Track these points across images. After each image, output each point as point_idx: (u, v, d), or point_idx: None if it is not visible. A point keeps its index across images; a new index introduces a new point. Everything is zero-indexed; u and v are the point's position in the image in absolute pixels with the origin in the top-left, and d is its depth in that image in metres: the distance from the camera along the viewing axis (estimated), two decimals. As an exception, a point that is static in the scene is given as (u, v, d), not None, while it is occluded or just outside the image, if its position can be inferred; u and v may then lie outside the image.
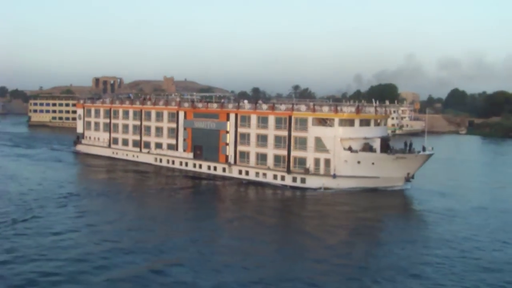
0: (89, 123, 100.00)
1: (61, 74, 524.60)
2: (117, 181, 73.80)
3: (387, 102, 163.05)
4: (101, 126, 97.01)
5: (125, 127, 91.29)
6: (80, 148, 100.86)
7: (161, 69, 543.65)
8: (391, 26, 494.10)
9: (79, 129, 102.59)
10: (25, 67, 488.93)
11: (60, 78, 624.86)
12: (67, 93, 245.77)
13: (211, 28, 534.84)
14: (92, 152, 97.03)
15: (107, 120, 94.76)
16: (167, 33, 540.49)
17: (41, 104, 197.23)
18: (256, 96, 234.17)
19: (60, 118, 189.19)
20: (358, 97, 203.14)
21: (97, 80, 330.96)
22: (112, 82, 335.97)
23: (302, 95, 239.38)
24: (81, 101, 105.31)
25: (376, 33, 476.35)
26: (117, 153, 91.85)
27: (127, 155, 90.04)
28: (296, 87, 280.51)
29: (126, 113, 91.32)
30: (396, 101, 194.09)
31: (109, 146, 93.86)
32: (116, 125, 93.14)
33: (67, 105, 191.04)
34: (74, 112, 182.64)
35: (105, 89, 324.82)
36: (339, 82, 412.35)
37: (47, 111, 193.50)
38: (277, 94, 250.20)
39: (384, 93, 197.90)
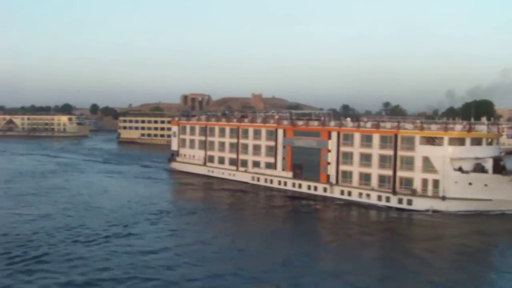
0: (184, 140, 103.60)
1: (150, 91, 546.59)
2: (212, 199, 76.66)
3: (483, 119, 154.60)
4: (197, 144, 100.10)
5: (222, 144, 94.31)
6: (174, 165, 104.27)
7: (249, 86, 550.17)
8: (484, 39, 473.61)
9: (174, 147, 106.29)
10: (115, 84, 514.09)
11: (149, 95, 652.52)
12: (156, 110, 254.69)
13: (300, 45, 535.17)
14: (187, 170, 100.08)
15: (203, 138, 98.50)
16: (255, 50, 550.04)
17: (130, 121, 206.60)
18: (346, 113, 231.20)
19: (149, 135, 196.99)
20: (451, 114, 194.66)
21: (185, 97, 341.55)
22: (200, 99, 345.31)
23: (393, 112, 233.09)
24: (176, 119, 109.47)
25: (468, 48, 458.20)
26: (213, 171, 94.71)
27: (223, 173, 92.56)
28: (386, 104, 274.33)
29: (222, 131, 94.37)
30: (492, 118, 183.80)
31: (205, 164, 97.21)
32: (212, 143, 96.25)
33: (155, 122, 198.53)
34: (163, 129, 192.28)
35: (193, 106, 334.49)
36: (430, 99, 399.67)
37: (136, 128, 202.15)
38: (366, 111, 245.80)
39: (479, 110, 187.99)
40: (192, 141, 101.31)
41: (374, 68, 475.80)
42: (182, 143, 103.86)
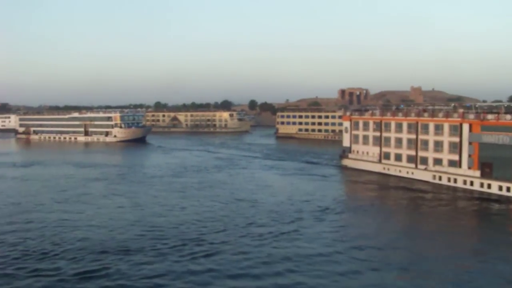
0: (356, 136, 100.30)
1: (307, 86, 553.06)
2: (387, 199, 73.29)
3: None
4: (370, 140, 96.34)
5: (398, 140, 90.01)
6: (346, 162, 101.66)
7: (407, 79, 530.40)
8: None
9: (345, 143, 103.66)
10: (273, 80, 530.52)
11: (306, 90, 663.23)
12: (314, 105, 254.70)
13: (464, 31, 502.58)
14: (360, 167, 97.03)
15: (377, 133, 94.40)
16: (414, 41, 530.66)
17: (288, 116, 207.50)
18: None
19: (306, 130, 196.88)
20: None
21: (342, 92, 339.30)
22: (358, 93, 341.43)
23: None
24: (347, 113, 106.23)
25: None
26: (388, 169, 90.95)
27: (400, 171, 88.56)
28: None
29: (399, 126, 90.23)
30: None
31: (380, 161, 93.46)
32: (387, 139, 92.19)
33: (313, 117, 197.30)
34: (320, 124, 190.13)
35: (351, 100, 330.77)
36: None
37: (294, 123, 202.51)
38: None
39: None
40: (365, 137, 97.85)
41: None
42: (354, 139, 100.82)
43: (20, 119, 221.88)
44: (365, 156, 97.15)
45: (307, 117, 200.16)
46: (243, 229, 51.36)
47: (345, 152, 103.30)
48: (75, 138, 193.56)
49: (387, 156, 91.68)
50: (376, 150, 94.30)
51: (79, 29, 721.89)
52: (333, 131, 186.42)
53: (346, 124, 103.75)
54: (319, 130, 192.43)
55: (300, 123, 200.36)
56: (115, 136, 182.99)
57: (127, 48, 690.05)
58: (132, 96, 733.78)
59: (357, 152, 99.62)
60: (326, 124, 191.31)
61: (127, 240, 47.11)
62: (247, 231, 50.45)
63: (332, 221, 55.64)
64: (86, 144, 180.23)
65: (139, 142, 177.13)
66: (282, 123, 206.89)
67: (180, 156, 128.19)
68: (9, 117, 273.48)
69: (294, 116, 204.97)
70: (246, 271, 39.02)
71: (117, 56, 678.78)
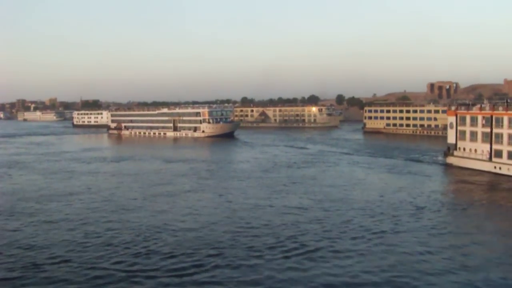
0: (463, 132, 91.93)
1: (395, 80, 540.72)
2: (497, 200, 64.35)
3: None
4: (479, 136, 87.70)
5: None
6: (452, 160, 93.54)
7: (501, 71, 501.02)
8: None
9: (450, 139, 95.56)
10: (360, 75, 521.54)
11: (394, 84, 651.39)
12: (402, 99, 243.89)
13: None
14: (467, 165, 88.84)
15: (487, 129, 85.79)
16: (506, 32, 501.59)
17: (375, 111, 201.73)
18: None
19: (394, 125, 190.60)
20: None
21: (431, 86, 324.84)
22: (447, 87, 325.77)
23: None
24: (453, 108, 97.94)
25: None
26: (500, 168, 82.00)
27: (514, 170, 80.00)
28: None
29: None
30: None
31: (490, 159, 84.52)
32: (499, 135, 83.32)
33: (401, 111, 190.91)
34: (408, 118, 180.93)
35: (441, 94, 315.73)
36: None
37: (381, 118, 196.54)
38: None
39: None
40: (473, 133, 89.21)
41: None
42: (460, 135, 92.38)
43: (112, 115, 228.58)
44: (472, 154, 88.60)
45: (395, 111, 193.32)
46: (336, 228, 47.97)
47: (449, 150, 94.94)
48: (164, 134, 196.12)
49: (498, 154, 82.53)
50: (485, 147, 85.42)
51: (161, 29, 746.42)
52: (421, 126, 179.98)
53: (451, 119, 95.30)
54: (407, 125, 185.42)
55: (388, 118, 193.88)
56: (203, 131, 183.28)
57: (215, 46, 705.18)
58: (219, 92, 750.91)
59: (464, 149, 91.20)
60: (415, 118, 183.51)
61: (221, 237, 45.00)
62: (342, 229, 47.32)
63: (439, 222, 50.56)
64: (175, 139, 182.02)
65: (227, 137, 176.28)
66: (370, 117, 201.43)
67: (269, 151, 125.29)
68: (101, 113, 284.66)
69: (381, 111, 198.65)
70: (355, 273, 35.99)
71: (202, 55, 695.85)
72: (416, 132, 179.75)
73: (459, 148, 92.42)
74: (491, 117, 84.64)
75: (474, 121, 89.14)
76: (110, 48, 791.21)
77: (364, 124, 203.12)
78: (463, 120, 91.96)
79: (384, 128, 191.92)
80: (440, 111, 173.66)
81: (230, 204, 59.82)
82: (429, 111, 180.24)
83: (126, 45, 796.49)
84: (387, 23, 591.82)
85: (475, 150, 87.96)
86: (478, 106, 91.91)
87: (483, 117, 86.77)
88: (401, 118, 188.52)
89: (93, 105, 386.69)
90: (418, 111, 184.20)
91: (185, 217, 53.40)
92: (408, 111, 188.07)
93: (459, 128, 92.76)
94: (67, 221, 52.27)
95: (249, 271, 36.66)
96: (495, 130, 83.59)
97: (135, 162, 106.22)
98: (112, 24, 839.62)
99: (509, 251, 41.34)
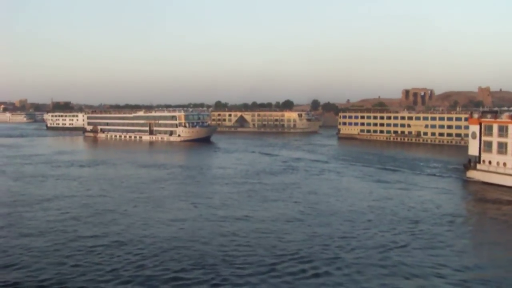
0: (488, 143, 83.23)
1: (369, 86, 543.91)
2: None
3: None
4: (510, 148, 78.83)
5: None
6: (474, 174, 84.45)
7: (474, 79, 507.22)
8: None
9: (473, 151, 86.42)
10: (334, 80, 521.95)
11: (367, 91, 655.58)
12: (379, 106, 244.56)
13: None
14: (494, 181, 79.49)
15: (519, 140, 79.83)
16: (479, 41, 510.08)
17: (350, 117, 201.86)
18: None
19: (368, 131, 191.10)
20: None
21: (406, 92, 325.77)
22: (422, 94, 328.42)
23: None
24: (475, 115, 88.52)
25: None
26: None
27: (551, 188, 74.83)
28: None
29: None
30: None
31: (520, 174, 78.89)
32: None
33: (375, 117, 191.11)
34: (382, 125, 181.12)
35: (415, 101, 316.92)
36: None
37: (356, 124, 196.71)
38: None
39: None
40: (502, 145, 79.98)
41: None
42: (485, 146, 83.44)
43: (89, 118, 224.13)
44: (501, 168, 79.66)
45: (368, 117, 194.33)
46: (355, 241, 45.35)
47: (470, 162, 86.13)
48: (140, 137, 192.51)
49: (534, 169, 76.21)
50: (514, 160, 79.15)
51: (134, 35, 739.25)
52: (395, 132, 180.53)
53: (474, 128, 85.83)
54: (381, 132, 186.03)
55: (362, 124, 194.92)
56: (179, 135, 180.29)
57: (185, 48, 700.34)
58: (192, 96, 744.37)
59: (489, 162, 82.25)
60: (388, 125, 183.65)
61: (201, 249, 42.20)
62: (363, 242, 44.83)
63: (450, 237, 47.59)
64: (151, 143, 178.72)
65: (203, 142, 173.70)
66: (344, 123, 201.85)
67: (247, 157, 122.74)
68: (77, 116, 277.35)
69: (356, 117, 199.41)
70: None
71: (172, 58, 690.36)
72: (389, 138, 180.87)
73: (483, 161, 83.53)
74: (527, 127, 76.86)
75: (503, 130, 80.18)
76: (81, 49, 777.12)
77: (339, 130, 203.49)
78: (489, 129, 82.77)
79: (358, 134, 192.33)
80: (414, 118, 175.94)
81: (210, 213, 57.36)
82: (402, 118, 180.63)
83: (96, 46, 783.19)
84: (360, 29, 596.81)
85: (504, 164, 78.85)
86: (509, 114, 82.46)
87: (514, 127, 79.24)
88: (375, 125, 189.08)
89: (65, 107, 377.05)
90: (392, 118, 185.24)
91: (164, 227, 50.81)
92: (382, 117, 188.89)
93: (484, 138, 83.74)
94: (36, 229, 49.31)
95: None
96: (531, 142, 76.60)
97: (112, 167, 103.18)
98: (82, 25, 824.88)
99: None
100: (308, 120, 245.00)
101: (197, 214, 56.50)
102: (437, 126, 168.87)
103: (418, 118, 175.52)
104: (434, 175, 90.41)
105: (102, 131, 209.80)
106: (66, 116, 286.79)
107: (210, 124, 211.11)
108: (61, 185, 77.33)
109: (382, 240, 45.82)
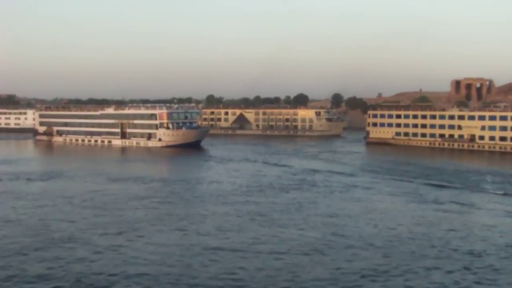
0: None
1: (407, 76, 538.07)
2: None
3: None
4: None
5: None
6: None
7: None
8: None
9: None
10: (362, 70, 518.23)
11: (405, 82, 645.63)
12: (420, 101, 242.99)
13: None
14: None
15: None
16: None
17: (382, 116, 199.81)
18: None
19: (406, 134, 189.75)
20: None
21: (457, 83, 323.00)
22: (478, 85, 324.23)
23: None
24: None
25: None
26: None
27: None
28: None
29: None
30: None
31: None
32: None
33: (415, 117, 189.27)
34: (424, 126, 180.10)
35: (469, 95, 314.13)
36: None
37: (390, 125, 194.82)
38: None
39: None
40: None
41: None
42: None
43: (41, 116, 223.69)
44: None
45: (406, 117, 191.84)
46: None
47: None
48: (109, 142, 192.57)
49: None
50: None
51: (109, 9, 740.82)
52: (441, 135, 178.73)
53: None
54: (423, 135, 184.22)
55: (398, 125, 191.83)
56: (160, 139, 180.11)
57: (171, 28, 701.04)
58: (178, 88, 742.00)
59: None
60: (433, 126, 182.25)
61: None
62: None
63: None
64: (123, 149, 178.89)
65: (191, 148, 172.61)
66: (375, 124, 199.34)
67: (249, 168, 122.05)
68: (25, 114, 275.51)
69: (390, 116, 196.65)
70: None
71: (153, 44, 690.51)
72: (434, 143, 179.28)
73: None
74: None
75: None
76: (29, 32, 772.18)
77: (367, 133, 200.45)
78: None
79: (393, 138, 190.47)
80: (467, 117, 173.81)
81: (201, 242, 56.49)
82: (451, 117, 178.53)
83: (50, 25, 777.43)
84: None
85: None
86: None
87: None
88: (415, 126, 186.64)
89: (8, 101, 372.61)
90: (438, 117, 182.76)
91: (140, 262, 49.74)
92: (424, 117, 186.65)
93: None
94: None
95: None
96: None
97: (71, 180, 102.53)
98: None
99: None
100: (329, 120, 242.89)
101: (184, 245, 55.55)
102: (498, 128, 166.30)
103: (472, 118, 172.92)
104: (495, 193, 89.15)
105: (59, 133, 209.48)
106: (10, 113, 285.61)
107: (201, 124, 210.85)
108: (2, 206, 76.13)
109: (430, 279, 44.89)
